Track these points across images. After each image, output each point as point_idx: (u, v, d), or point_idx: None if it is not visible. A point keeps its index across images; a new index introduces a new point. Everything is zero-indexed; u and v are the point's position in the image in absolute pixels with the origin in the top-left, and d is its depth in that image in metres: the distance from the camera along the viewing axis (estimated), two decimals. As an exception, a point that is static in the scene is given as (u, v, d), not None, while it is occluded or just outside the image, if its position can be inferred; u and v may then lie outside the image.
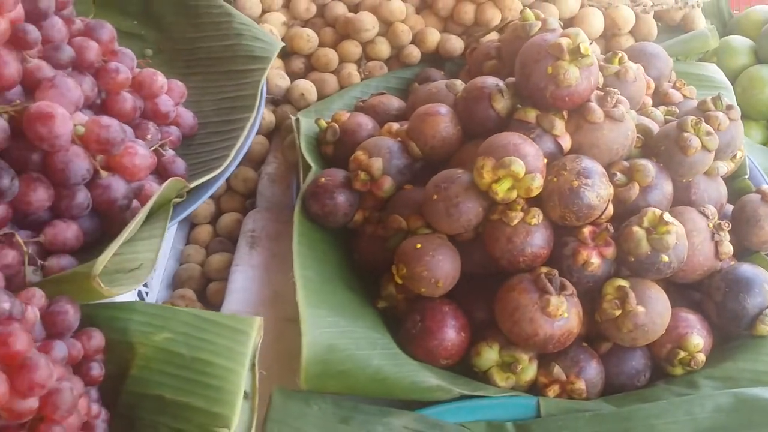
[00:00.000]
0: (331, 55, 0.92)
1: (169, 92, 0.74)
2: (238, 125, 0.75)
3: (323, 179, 0.73)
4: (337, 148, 0.79)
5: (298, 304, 0.64)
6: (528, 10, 0.75)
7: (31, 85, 0.60)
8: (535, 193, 0.63)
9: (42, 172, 0.58)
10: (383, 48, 0.93)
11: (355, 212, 0.73)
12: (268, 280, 0.77)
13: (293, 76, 0.92)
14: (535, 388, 0.66)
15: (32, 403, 0.40)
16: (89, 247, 0.62)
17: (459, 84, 0.77)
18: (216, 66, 0.81)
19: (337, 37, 0.94)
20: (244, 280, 0.77)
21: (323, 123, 0.80)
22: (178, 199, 0.67)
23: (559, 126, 0.67)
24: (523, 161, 0.62)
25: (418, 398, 0.63)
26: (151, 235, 0.63)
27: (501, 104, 0.70)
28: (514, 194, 0.64)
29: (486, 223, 0.66)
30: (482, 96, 0.70)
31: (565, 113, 0.68)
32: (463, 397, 0.63)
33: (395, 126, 0.77)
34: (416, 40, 0.93)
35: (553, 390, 0.65)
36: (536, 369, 0.65)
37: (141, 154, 0.62)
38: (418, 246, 0.65)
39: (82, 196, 0.60)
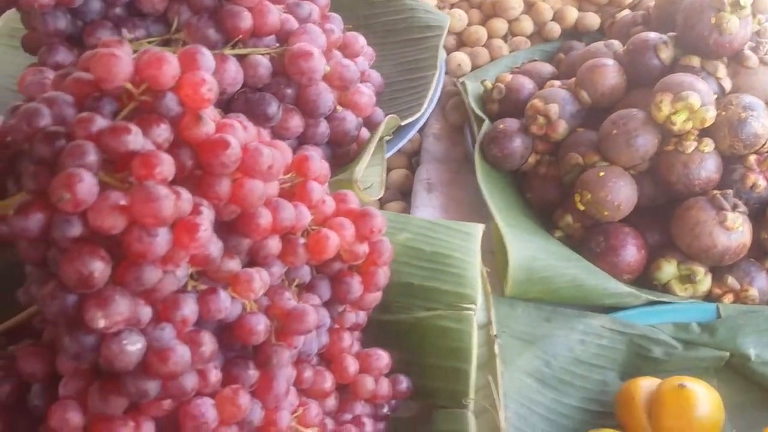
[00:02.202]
0: (480, 32, 1.02)
1: (363, 54, 0.84)
2: (422, 81, 0.85)
3: (502, 125, 0.83)
4: (502, 105, 0.89)
5: (496, 226, 0.73)
6: (678, -22, 0.85)
7: (280, 34, 0.70)
8: (708, 123, 0.72)
9: (294, 104, 0.69)
10: (527, 25, 1.03)
11: (529, 155, 0.83)
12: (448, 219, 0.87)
13: (446, 50, 1.03)
14: (709, 299, 0.74)
15: (365, 248, 0.50)
16: (322, 174, 0.73)
17: (617, 43, 0.86)
18: (393, 37, 0.92)
19: (482, 17, 1.05)
20: (426, 220, 0.86)
21: (488, 84, 0.91)
22: (387, 137, 0.77)
23: (722, 69, 0.76)
24: (698, 95, 0.72)
25: (610, 303, 0.71)
26: (372, 164, 0.73)
27: (665, 54, 0.79)
28: (689, 125, 0.72)
29: (660, 154, 0.75)
30: (647, 48, 0.80)
31: (725, 59, 0.77)
32: (649, 304, 0.72)
33: (557, 83, 0.87)
34: (556, 17, 1.03)
35: (728, 298, 0.73)
36: (711, 281, 0.73)
37: (368, 94, 0.73)
38: (601, 174, 0.74)
39: (324, 126, 0.70)
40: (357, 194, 0.64)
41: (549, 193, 0.82)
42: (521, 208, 0.81)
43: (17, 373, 0.41)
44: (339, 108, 0.71)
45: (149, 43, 0.66)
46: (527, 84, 0.89)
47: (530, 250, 0.72)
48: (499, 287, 0.71)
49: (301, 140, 0.71)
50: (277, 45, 0.69)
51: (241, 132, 0.41)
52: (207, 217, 0.38)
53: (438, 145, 0.96)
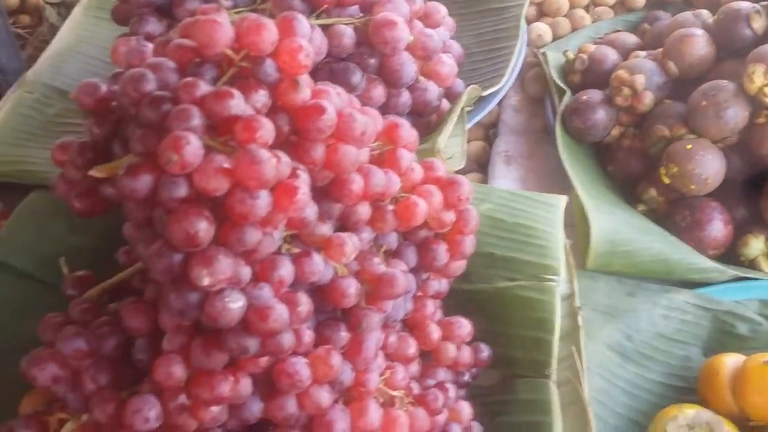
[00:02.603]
0: (561, 2, 1.01)
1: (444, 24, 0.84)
2: (503, 52, 0.84)
3: (585, 97, 0.81)
4: (585, 76, 0.88)
5: (578, 198, 0.72)
6: (774, -57, 0.81)
7: (363, 4, 0.70)
8: (804, 94, 0.69)
9: (377, 74, 0.69)
10: (610, -6, 1.00)
11: (612, 127, 0.81)
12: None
13: (527, 21, 1.01)
14: (799, 276, 0.72)
15: (452, 215, 0.50)
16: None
17: (706, 13, 0.84)
18: (473, 7, 0.91)
19: (564, -13, 1.03)
20: (504, 192, 0.86)
21: (571, 55, 0.89)
22: (468, 108, 0.77)
23: (820, 38, 0.74)
24: (794, 65, 0.69)
25: (695, 278, 0.70)
26: (454, 134, 0.73)
27: (758, 23, 0.76)
28: (783, 97, 0.70)
29: (751, 127, 0.73)
30: (739, 17, 0.77)
31: (822, 28, 0.74)
32: (735, 280, 0.70)
33: (642, 53, 0.85)
34: (641, -14, 1.01)
35: (818, 275, 0.70)
36: (801, 258, 0.71)
37: (449, 64, 0.72)
38: (689, 147, 0.73)
39: (406, 97, 0.70)
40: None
41: (632, 166, 0.80)
42: (603, 181, 0.80)
43: (121, 328, 0.43)
44: (421, 78, 0.71)
45: (236, 13, 0.68)
46: (611, 55, 0.87)
47: (613, 222, 0.71)
48: (580, 260, 0.71)
49: (383, 110, 0.71)
50: (361, 15, 0.69)
51: (335, 98, 0.42)
52: (304, 181, 0.39)
53: (517, 117, 0.95)
